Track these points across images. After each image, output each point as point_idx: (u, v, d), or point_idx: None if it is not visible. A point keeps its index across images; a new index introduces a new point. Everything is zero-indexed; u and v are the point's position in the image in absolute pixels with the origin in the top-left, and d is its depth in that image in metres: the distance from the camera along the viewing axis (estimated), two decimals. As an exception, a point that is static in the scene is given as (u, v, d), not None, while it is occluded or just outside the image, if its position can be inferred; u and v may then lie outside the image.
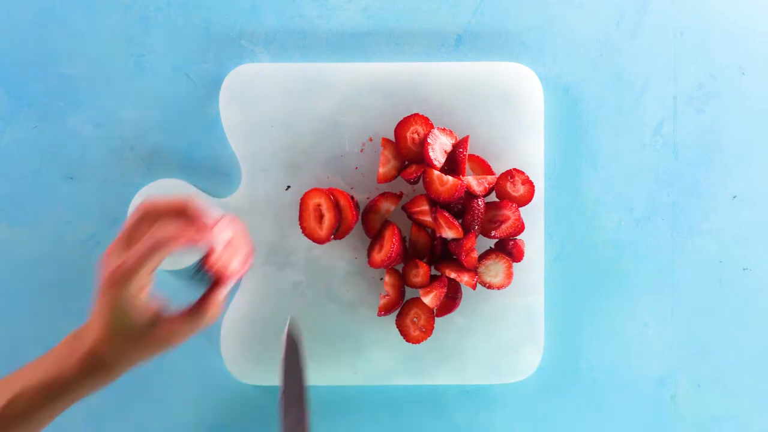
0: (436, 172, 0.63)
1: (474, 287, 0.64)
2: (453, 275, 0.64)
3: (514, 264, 0.66)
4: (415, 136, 0.65)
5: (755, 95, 0.71)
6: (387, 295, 0.65)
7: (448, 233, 0.63)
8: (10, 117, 0.70)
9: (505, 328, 0.69)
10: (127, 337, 0.53)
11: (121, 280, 0.51)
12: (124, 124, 0.70)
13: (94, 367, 0.53)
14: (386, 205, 0.66)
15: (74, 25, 0.70)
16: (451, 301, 0.67)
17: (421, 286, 0.64)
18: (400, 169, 0.66)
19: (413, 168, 0.65)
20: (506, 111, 0.68)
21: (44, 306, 0.70)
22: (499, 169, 0.67)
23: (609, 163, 0.71)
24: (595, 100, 0.71)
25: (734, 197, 0.71)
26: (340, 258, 0.68)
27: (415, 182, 0.66)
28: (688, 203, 0.71)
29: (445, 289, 0.64)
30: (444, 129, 0.65)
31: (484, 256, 0.66)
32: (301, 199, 0.65)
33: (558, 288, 0.71)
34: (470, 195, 0.64)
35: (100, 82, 0.70)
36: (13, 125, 0.70)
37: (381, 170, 0.65)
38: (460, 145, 0.65)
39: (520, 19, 0.70)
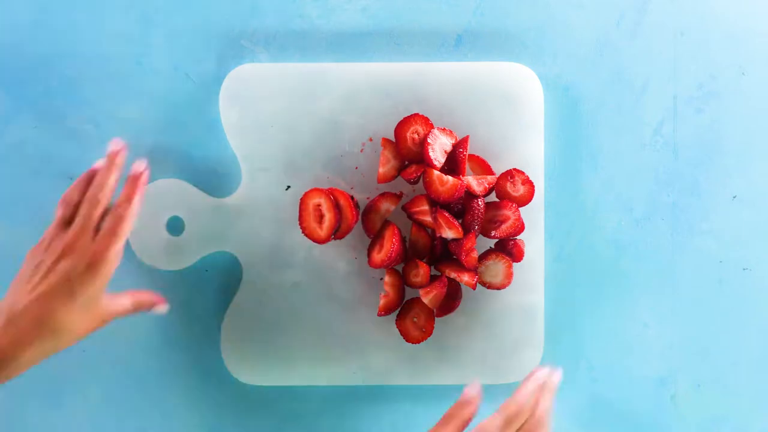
0: (436, 172, 0.63)
1: (474, 287, 0.64)
2: (453, 275, 0.64)
3: (514, 264, 0.66)
4: (415, 136, 0.65)
5: (755, 95, 0.71)
6: (387, 295, 0.65)
7: (448, 233, 0.63)
8: (10, 117, 0.70)
9: (505, 328, 0.69)
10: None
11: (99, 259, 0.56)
12: (124, 124, 0.70)
13: None
14: (386, 205, 0.66)
15: (74, 25, 0.70)
16: (451, 301, 0.67)
17: (421, 286, 0.64)
18: (400, 169, 0.66)
19: (413, 168, 0.65)
20: (506, 111, 0.68)
21: (44, 306, 0.70)
22: (499, 169, 0.67)
23: (609, 163, 0.71)
24: (595, 100, 0.71)
25: (734, 197, 0.71)
26: (340, 258, 0.68)
27: (415, 182, 0.66)
28: (688, 203, 0.71)
29: (445, 289, 0.64)
30: (444, 129, 0.65)
31: (484, 256, 0.66)
32: (301, 199, 0.65)
33: (558, 288, 0.71)
34: (470, 195, 0.64)
35: (100, 82, 0.70)
36: (13, 125, 0.70)
37: (381, 170, 0.65)
38: (460, 145, 0.65)
39: (520, 19, 0.70)
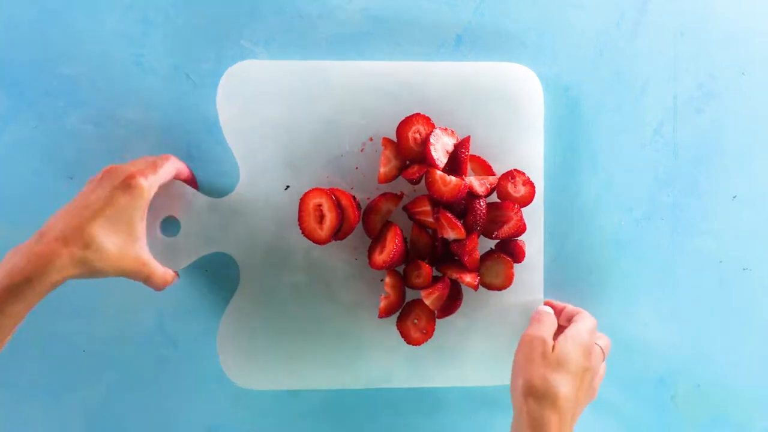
0: (439, 173, 0.63)
1: (476, 288, 0.64)
2: (455, 276, 0.64)
3: (514, 264, 0.66)
4: (417, 135, 0.65)
5: (755, 95, 0.71)
6: (388, 297, 0.65)
7: (451, 234, 0.63)
8: (10, 117, 0.69)
9: (505, 329, 0.69)
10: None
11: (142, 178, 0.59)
12: (124, 124, 0.70)
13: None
14: (387, 206, 0.66)
15: (74, 25, 0.70)
16: (452, 302, 0.67)
17: (423, 287, 0.64)
18: (401, 169, 0.66)
19: (415, 168, 0.65)
20: (506, 111, 0.68)
21: (44, 306, 0.70)
22: (499, 169, 0.67)
23: (609, 163, 0.71)
24: (595, 100, 0.71)
25: (734, 197, 0.71)
26: (340, 259, 0.68)
27: (417, 182, 0.66)
28: (688, 203, 0.71)
29: (447, 290, 0.64)
30: (446, 129, 0.65)
31: (485, 257, 0.66)
32: (301, 199, 0.65)
33: (558, 288, 0.71)
34: (472, 195, 0.64)
35: (100, 82, 0.70)
36: (13, 125, 0.69)
37: (382, 170, 0.65)
38: (461, 146, 0.65)
39: (520, 19, 0.70)
